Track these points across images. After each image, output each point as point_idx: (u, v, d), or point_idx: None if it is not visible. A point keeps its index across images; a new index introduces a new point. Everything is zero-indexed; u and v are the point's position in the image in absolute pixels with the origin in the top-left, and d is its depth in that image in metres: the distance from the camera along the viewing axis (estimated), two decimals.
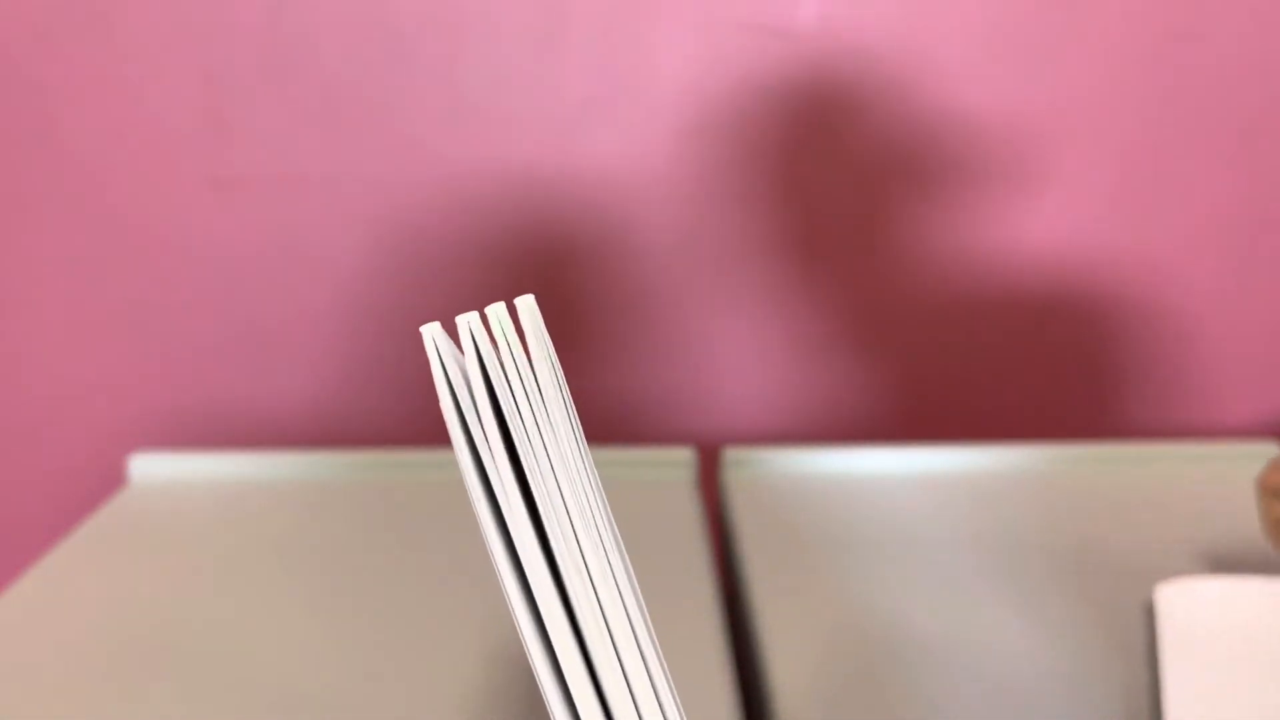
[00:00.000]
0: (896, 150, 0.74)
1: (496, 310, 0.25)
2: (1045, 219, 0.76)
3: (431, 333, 0.25)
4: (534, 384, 0.25)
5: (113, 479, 0.74)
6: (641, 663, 0.24)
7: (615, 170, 0.73)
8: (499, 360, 0.25)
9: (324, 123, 0.71)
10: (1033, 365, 0.80)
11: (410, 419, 0.77)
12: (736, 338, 0.77)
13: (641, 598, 0.25)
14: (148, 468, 0.69)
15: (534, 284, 0.75)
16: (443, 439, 0.75)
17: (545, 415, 0.25)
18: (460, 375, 0.25)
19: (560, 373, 0.25)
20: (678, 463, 0.69)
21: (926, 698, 0.46)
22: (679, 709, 0.24)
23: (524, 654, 0.48)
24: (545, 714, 0.26)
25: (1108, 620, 0.52)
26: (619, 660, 0.24)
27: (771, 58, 0.72)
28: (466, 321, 0.25)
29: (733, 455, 0.70)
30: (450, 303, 0.74)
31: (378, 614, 0.54)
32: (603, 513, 0.25)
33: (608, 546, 0.25)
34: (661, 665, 0.24)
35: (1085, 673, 0.48)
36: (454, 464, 0.69)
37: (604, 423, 0.78)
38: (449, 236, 0.74)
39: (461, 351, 0.26)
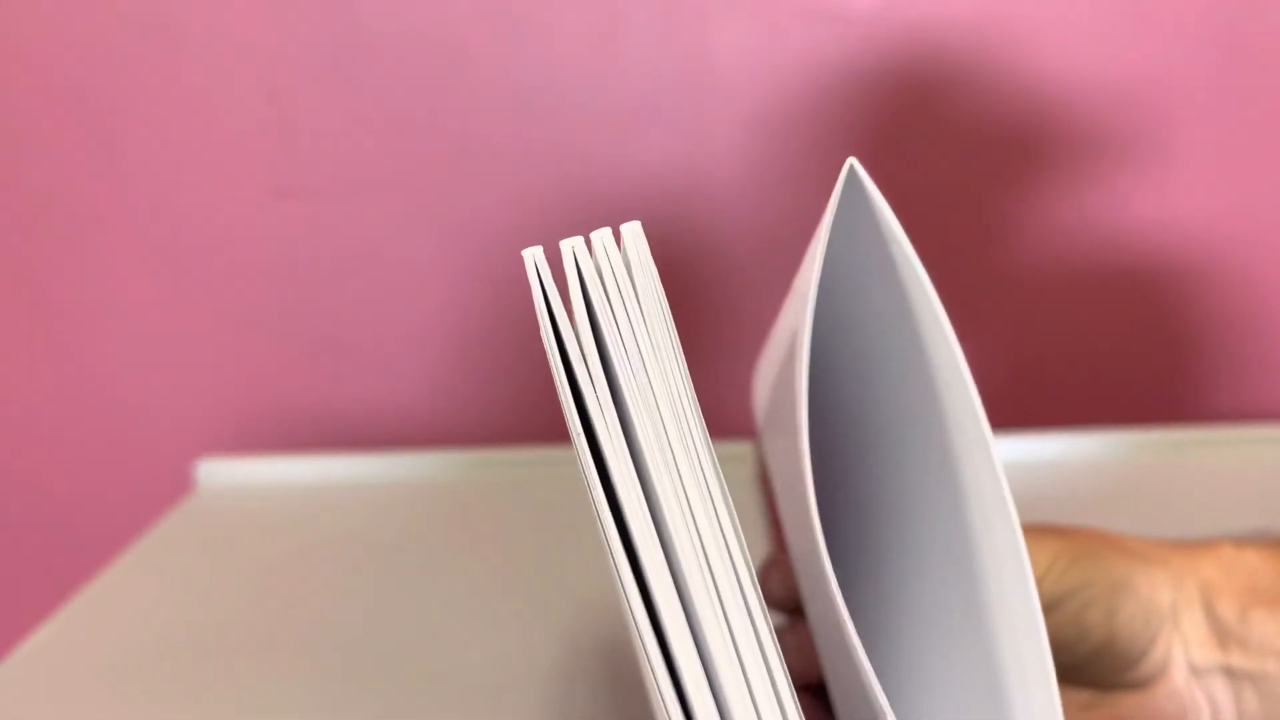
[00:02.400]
0: (978, 128, 0.72)
1: (601, 235, 0.24)
2: (1148, 193, 0.73)
3: (533, 255, 0.24)
4: (638, 311, 0.23)
5: (180, 485, 0.73)
6: (743, 604, 0.22)
7: (679, 163, 0.72)
8: (600, 280, 0.23)
9: (385, 129, 0.72)
10: (1137, 348, 0.76)
11: (479, 418, 0.76)
12: None
13: (745, 545, 0.23)
14: (216, 473, 0.69)
15: None
16: (509, 438, 0.75)
17: (649, 344, 0.23)
18: (559, 301, 0.24)
19: (666, 304, 0.24)
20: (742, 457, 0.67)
21: None
22: (785, 669, 0.22)
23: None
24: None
25: None
26: (719, 602, 0.22)
27: (835, 43, 0.70)
28: (570, 246, 0.24)
29: None
30: (514, 302, 0.74)
31: (454, 612, 0.52)
32: (705, 445, 0.23)
33: (709, 479, 0.23)
34: (764, 611, 0.22)
35: None
36: (522, 463, 0.69)
37: None
38: (512, 237, 0.74)
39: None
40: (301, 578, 0.57)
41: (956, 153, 0.72)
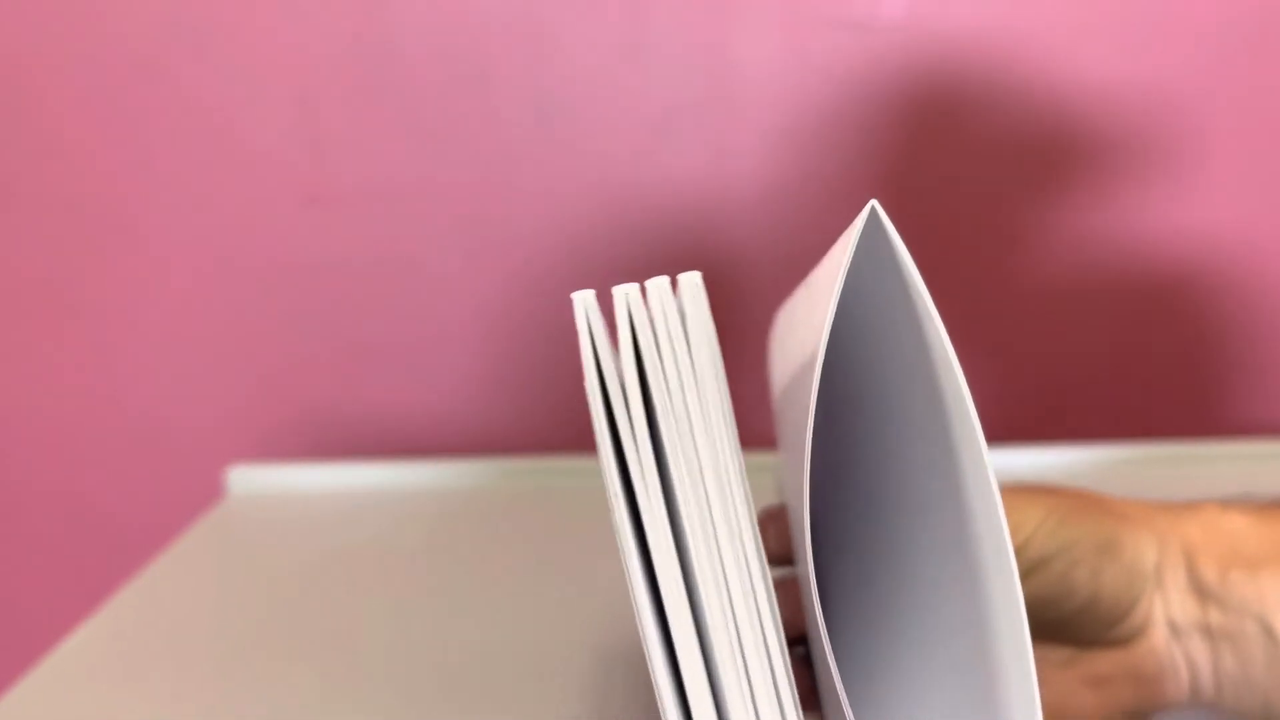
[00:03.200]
0: (1002, 137, 0.71)
1: (659, 285, 0.22)
2: (1173, 202, 0.71)
3: (584, 301, 0.22)
4: (690, 370, 0.22)
5: (211, 492, 0.73)
6: (771, 682, 0.20)
7: (703, 173, 0.72)
8: (654, 335, 0.22)
9: (412, 137, 0.72)
10: (1162, 359, 0.75)
11: (508, 426, 0.76)
12: None
13: (783, 637, 0.21)
14: (246, 480, 0.69)
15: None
16: (538, 446, 0.75)
17: (699, 407, 0.22)
18: (609, 351, 0.22)
19: (720, 363, 0.22)
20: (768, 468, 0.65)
21: None
22: None
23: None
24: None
25: None
26: (748, 681, 0.20)
27: (859, 52, 0.70)
28: (624, 293, 0.22)
29: None
30: (542, 310, 0.74)
31: (482, 620, 0.52)
32: (749, 520, 0.22)
33: (750, 560, 0.21)
34: (791, 686, 0.21)
35: None
36: (552, 472, 0.68)
37: None
38: (537, 246, 0.73)
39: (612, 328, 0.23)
40: (331, 584, 0.57)
41: (980, 162, 0.72)
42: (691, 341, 0.22)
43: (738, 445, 0.22)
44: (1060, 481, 0.36)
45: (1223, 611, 0.32)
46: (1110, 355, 0.75)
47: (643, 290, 0.22)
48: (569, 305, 0.74)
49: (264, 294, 0.75)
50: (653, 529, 0.21)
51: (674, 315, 0.22)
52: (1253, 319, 0.75)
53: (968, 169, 0.72)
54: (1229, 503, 0.35)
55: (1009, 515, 0.30)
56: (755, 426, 0.78)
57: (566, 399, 0.75)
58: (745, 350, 0.75)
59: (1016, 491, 0.33)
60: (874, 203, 0.24)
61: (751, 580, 0.21)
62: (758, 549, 0.21)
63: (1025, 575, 0.32)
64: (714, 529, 0.21)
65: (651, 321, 0.22)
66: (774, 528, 0.37)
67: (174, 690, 0.46)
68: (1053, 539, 0.32)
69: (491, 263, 0.74)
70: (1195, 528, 0.33)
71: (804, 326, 0.29)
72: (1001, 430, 0.75)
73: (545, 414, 0.76)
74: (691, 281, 0.22)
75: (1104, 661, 0.33)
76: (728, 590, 0.21)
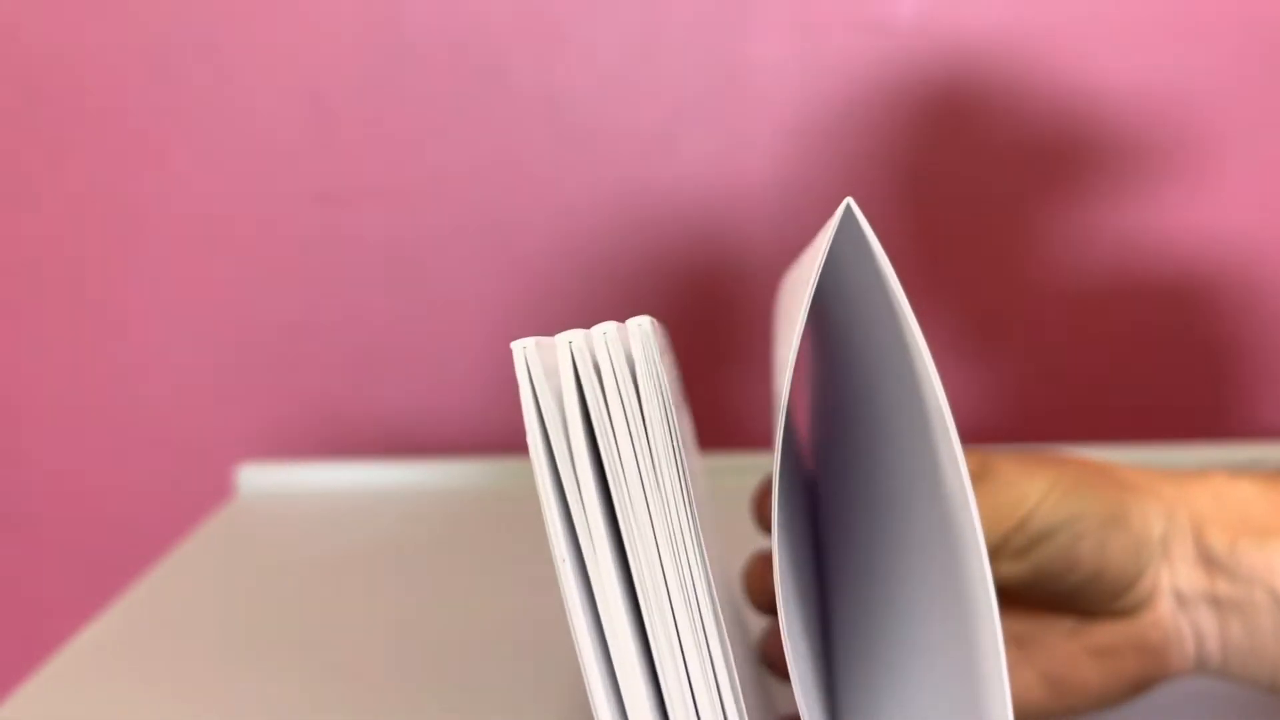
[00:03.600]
0: (1017, 138, 0.70)
1: (605, 331, 0.21)
2: (1190, 204, 0.70)
3: (524, 350, 0.21)
4: (640, 426, 0.20)
5: (222, 490, 0.73)
6: None
7: (715, 174, 0.71)
8: (601, 392, 0.20)
9: (425, 134, 0.71)
10: (1178, 362, 0.73)
11: (520, 426, 0.74)
12: None
13: (739, 689, 0.20)
14: (257, 478, 0.68)
15: (634, 292, 0.73)
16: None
17: (650, 460, 0.20)
18: (554, 403, 0.21)
19: (673, 411, 0.20)
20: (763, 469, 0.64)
21: None
22: None
23: None
24: None
25: None
26: None
27: (874, 53, 0.69)
28: (568, 341, 0.21)
29: None
30: (554, 309, 0.73)
31: (493, 620, 0.51)
32: (705, 582, 0.20)
33: (708, 631, 0.20)
34: None
35: None
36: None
37: (703, 433, 0.74)
38: (550, 245, 0.73)
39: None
40: (342, 583, 0.57)
41: (994, 162, 0.71)
42: (642, 395, 0.20)
43: (694, 506, 0.20)
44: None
45: (1231, 581, 0.32)
46: (1124, 356, 0.75)
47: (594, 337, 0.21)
48: (579, 304, 0.74)
49: (275, 292, 0.75)
50: (603, 600, 0.20)
51: (623, 366, 0.20)
52: (1268, 321, 0.73)
53: (980, 169, 0.71)
54: (1238, 470, 0.34)
55: (1013, 486, 0.32)
56: (760, 427, 0.77)
57: None
58: (754, 350, 0.74)
59: (1021, 461, 0.33)
60: (849, 200, 0.23)
61: (711, 656, 0.19)
62: (716, 622, 0.20)
63: (1030, 547, 0.32)
64: (669, 600, 0.20)
65: (599, 374, 0.20)
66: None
67: (184, 688, 0.46)
68: (1058, 511, 0.31)
69: (502, 260, 0.74)
70: (1204, 496, 0.33)
71: (785, 322, 0.29)
72: (1014, 431, 0.75)
73: None
74: (640, 328, 0.20)
75: (1109, 632, 0.33)
76: (686, 672, 0.19)
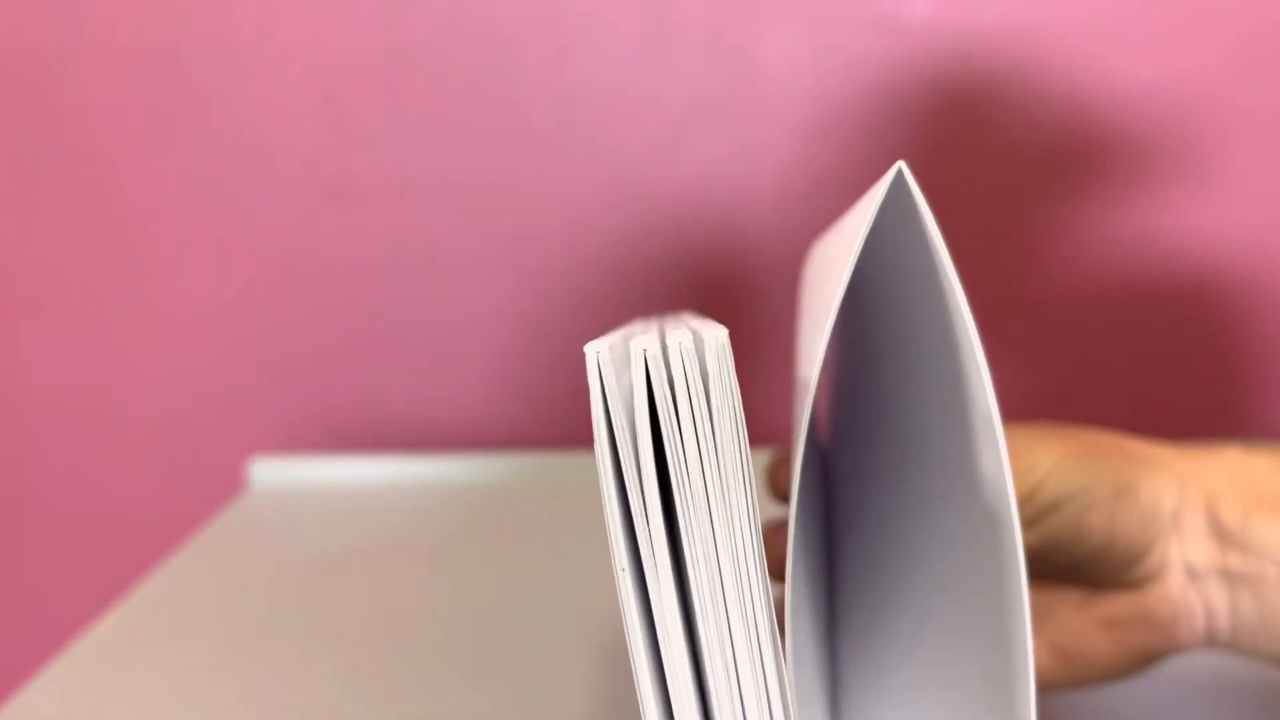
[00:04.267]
0: (1029, 139, 0.70)
1: (681, 340, 0.20)
2: (1202, 205, 0.70)
3: (596, 354, 0.20)
4: (710, 441, 0.20)
5: (232, 484, 0.73)
6: None
7: (726, 170, 0.71)
8: (673, 402, 0.20)
9: (435, 133, 0.72)
10: (1186, 361, 0.74)
11: (531, 421, 0.75)
12: None
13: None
14: (268, 472, 0.68)
15: (643, 291, 0.73)
16: (560, 442, 0.75)
17: (718, 476, 0.20)
18: (624, 410, 0.20)
19: (743, 430, 0.20)
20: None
21: None
22: None
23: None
24: None
25: None
26: None
27: (885, 52, 0.69)
28: (642, 349, 0.20)
29: None
30: (564, 305, 0.74)
31: (503, 615, 0.52)
32: (765, 609, 0.20)
33: (765, 659, 0.19)
34: None
35: None
36: (574, 468, 0.68)
37: None
38: (560, 241, 0.73)
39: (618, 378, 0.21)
40: (352, 578, 0.57)
41: (1004, 162, 0.71)
42: (714, 410, 0.20)
43: (758, 521, 0.20)
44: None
45: (1243, 555, 0.32)
46: (1133, 357, 0.74)
47: (663, 344, 0.21)
48: (588, 302, 0.74)
49: (286, 288, 0.75)
50: (661, 614, 0.19)
51: (697, 380, 0.20)
52: (1277, 322, 0.73)
53: (991, 169, 0.71)
54: (1253, 447, 0.34)
55: (1023, 456, 0.32)
56: (776, 421, 0.76)
57: (585, 395, 0.74)
58: (764, 348, 0.74)
59: (1032, 432, 0.33)
60: (900, 164, 0.23)
61: (765, 680, 0.19)
62: (774, 646, 0.19)
63: (1039, 518, 0.31)
64: (728, 621, 0.19)
65: (672, 387, 0.20)
66: (784, 470, 0.38)
67: (195, 682, 0.46)
68: (1068, 481, 0.31)
69: (512, 258, 0.74)
70: (1217, 471, 0.33)
71: (823, 284, 0.29)
72: None
73: (565, 410, 0.75)
74: (717, 340, 0.20)
75: (1118, 604, 0.33)
76: (740, 692, 0.19)
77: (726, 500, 0.20)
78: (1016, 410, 0.76)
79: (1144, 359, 0.75)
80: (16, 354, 0.76)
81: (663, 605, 0.20)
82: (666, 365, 0.20)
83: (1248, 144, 0.70)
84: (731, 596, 0.19)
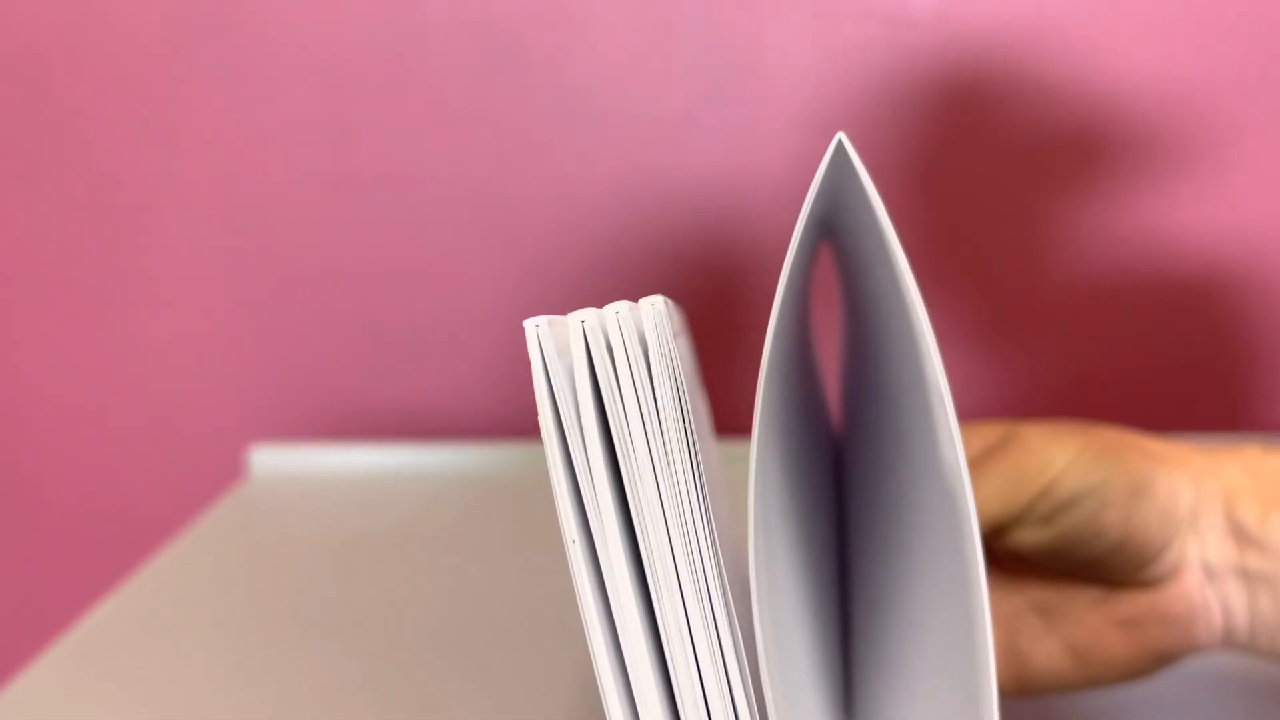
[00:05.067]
0: (1032, 134, 0.70)
1: (618, 310, 0.20)
2: (1206, 200, 0.70)
3: (536, 327, 0.20)
4: (652, 407, 0.20)
5: (233, 472, 0.73)
6: None
7: (728, 165, 0.71)
8: (613, 371, 0.20)
9: (437, 125, 0.72)
10: (1191, 357, 0.73)
11: (532, 410, 0.75)
12: None
13: (748, 674, 0.20)
14: (268, 460, 0.69)
15: (647, 279, 0.73)
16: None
17: (660, 439, 0.20)
18: (566, 382, 0.20)
19: (685, 391, 0.20)
20: None
21: None
22: None
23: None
24: None
25: None
26: None
27: (889, 46, 0.68)
28: (580, 319, 0.21)
29: None
30: (567, 294, 0.74)
31: (505, 604, 0.52)
32: (714, 562, 0.20)
33: (719, 618, 0.19)
34: None
35: None
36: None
37: (718, 420, 0.74)
38: (563, 232, 0.73)
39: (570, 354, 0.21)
40: (352, 566, 0.57)
41: (1009, 157, 0.70)
42: (654, 377, 0.20)
43: (704, 485, 0.20)
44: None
45: (1261, 554, 0.32)
46: (1138, 353, 0.74)
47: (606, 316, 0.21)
48: (591, 291, 0.73)
49: (287, 278, 0.75)
50: (612, 580, 0.20)
51: (635, 348, 0.20)
52: None
53: (996, 164, 0.71)
54: (1271, 446, 0.34)
55: (1038, 452, 0.31)
56: None
57: None
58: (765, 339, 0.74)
59: (1048, 429, 0.32)
60: (840, 136, 0.22)
61: (719, 637, 0.19)
62: (725, 603, 0.20)
63: (1055, 514, 0.31)
64: (678, 580, 0.19)
65: (611, 355, 0.20)
66: None
67: (194, 670, 0.46)
68: (1084, 478, 0.31)
69: (513, 250, 0.74)
70: (1235, 469, 0.32)
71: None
72: None
73: None
74: (654, 308, 0.20)
75: (1134, 603, 0.33)
76: (694, 652, 0.19)
77: (671, 465, 0.20)
78: (1025, 408, 0.77)
79: (1152, 356, 0.74)
80: (17, 341, 0.76)
81: (613, 571, 0.20)
82: (605, 335, 0.20)
83: (1255, 139, 0.69)
84: (680, 557, 0.20)
